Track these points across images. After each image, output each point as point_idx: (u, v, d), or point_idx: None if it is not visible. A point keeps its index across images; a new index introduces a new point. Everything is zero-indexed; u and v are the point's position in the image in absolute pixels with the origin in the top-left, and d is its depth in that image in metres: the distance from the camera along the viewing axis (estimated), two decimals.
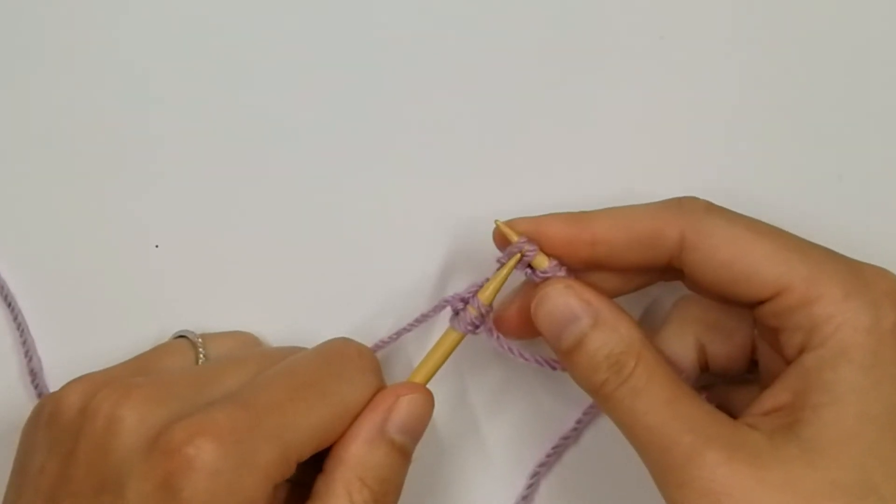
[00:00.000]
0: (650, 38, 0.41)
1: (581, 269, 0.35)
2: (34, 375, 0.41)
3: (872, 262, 0.33)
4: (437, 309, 0.38)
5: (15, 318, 0.41)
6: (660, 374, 0.32)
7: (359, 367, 0.35)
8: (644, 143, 0.41)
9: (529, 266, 0.35)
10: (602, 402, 0.33)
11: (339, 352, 0.35)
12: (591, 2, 0.41)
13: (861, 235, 0.39)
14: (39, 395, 0.40)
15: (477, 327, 0.36)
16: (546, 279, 0.35)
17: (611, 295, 0.35)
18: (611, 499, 0.40)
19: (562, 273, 0.35)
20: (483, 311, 0.36)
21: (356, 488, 0.32)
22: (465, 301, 0.36)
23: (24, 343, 0.41)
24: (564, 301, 0.34)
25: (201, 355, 0.38)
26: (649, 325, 0.39)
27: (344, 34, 0.42)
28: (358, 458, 0.33)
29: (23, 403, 0.40)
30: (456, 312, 0.36)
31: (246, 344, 0.40)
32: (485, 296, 0.36)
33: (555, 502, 0.40)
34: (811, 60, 0.41)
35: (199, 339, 0.38)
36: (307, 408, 0.33)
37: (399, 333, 0.39)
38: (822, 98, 0.41)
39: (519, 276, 0.36)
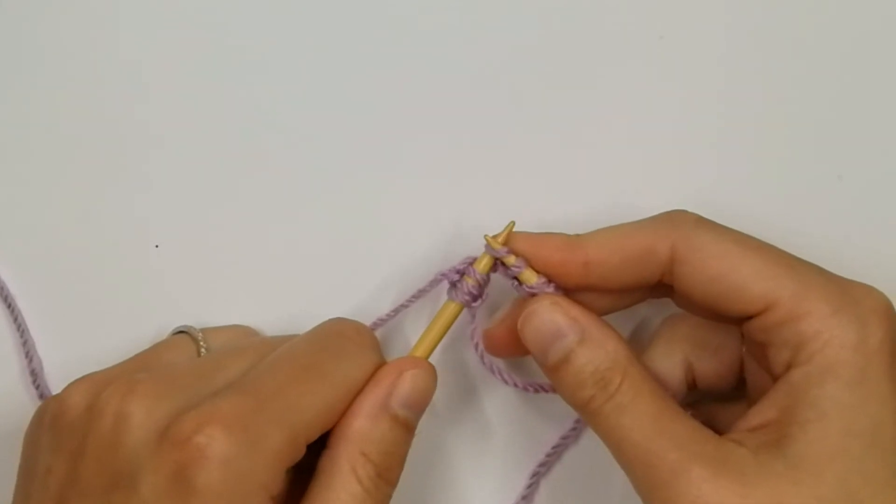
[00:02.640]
0: (650, 38, 0.41)
1: (573, 290, 0.35)
2: (35, 376, 0.41)
3: (872, 262, 0.33)
4: (434, 283, 0.38)
5: (15, 319, 0.41)
6: (646, 390, 0.32)
7: (358, 344, 0.35)
8: (644, 142, 0.41)
9: (517, 279, 0.35)
10: (588, 418, 0.33)
11: (337, 331, 0.35)
12: (591, 3, 0.41)
13: (861, 236, 0.39)
14: (41, 395, 0.40)
15: (475, 297, 0.36)
16: (533, 295, 0.35)
17: (599, 313, 0.35)
18: (610, 499, 0.40)
19: (549, 289, 0.35)
20: (480, 280, 0.36)
21: (360, 462, 0.32)
22: (461, 273, 0.36)
23: (24, 344, 0.41)
24: (551, 317, 0.34)
25: (202, 349, 0.38)
26: (637, 342, 0.39)
27: (343, 34, 0.42)
28: (361, 433, 0.33)
29: (24, 404, 0.40)
30: (453, 284, 0.37)
31: (245, 335, 0.40)
32: (480, 266, 0.36)
33: (555, 502, 0.40)
34: (811, 60, 0.41)
35: (200, 334, 0.38)
36: (311, 389, 0.33)
37: (397, 310, 0.39)
38: (821, 98, 0.41)
39: (512, 291, 0.36)
